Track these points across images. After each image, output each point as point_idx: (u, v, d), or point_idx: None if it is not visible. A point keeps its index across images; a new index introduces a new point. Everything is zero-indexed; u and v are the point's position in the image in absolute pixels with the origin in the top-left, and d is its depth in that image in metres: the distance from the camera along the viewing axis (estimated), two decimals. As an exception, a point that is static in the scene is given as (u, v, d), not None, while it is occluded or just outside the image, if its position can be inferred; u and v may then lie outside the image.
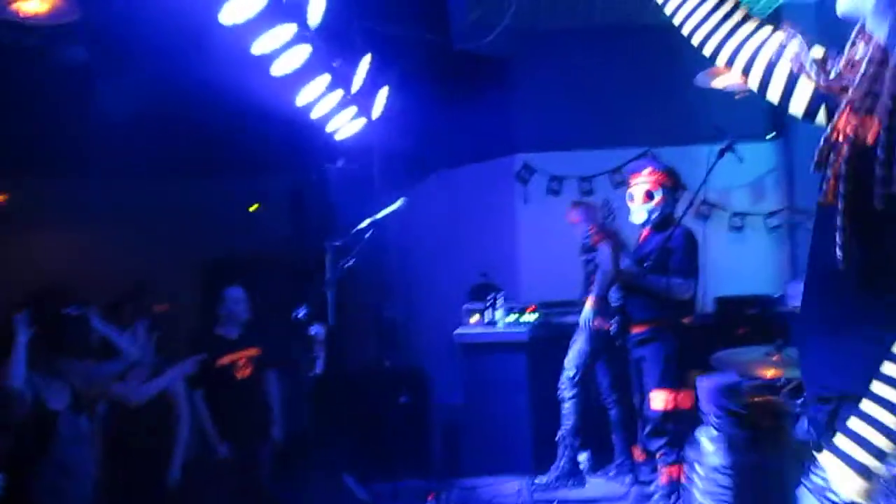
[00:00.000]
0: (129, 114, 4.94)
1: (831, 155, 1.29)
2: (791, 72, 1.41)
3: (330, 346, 4.29)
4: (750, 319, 5.36)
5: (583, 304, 4.93)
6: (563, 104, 6.17)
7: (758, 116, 6.10)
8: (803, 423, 1.36)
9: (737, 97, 4.56)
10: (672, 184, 4.37)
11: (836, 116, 1.30)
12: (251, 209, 6.68)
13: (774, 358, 3.60)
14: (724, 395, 1.36)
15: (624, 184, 5.98)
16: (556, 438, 5.02)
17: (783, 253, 6.14)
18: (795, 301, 5.25)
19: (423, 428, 5.43)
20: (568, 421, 4.97)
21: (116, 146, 5.45)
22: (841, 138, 1.26)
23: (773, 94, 1.46)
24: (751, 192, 6.18)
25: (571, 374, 4.95)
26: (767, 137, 6.13)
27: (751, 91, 4.65)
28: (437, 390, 5.58)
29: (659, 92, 6.14)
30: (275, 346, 4.40)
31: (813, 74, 1.36)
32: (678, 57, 6.02)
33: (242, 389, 4.33)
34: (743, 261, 6.05)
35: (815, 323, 1.32)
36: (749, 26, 1.47)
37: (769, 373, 3.65)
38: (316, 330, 4.13)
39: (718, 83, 4.57)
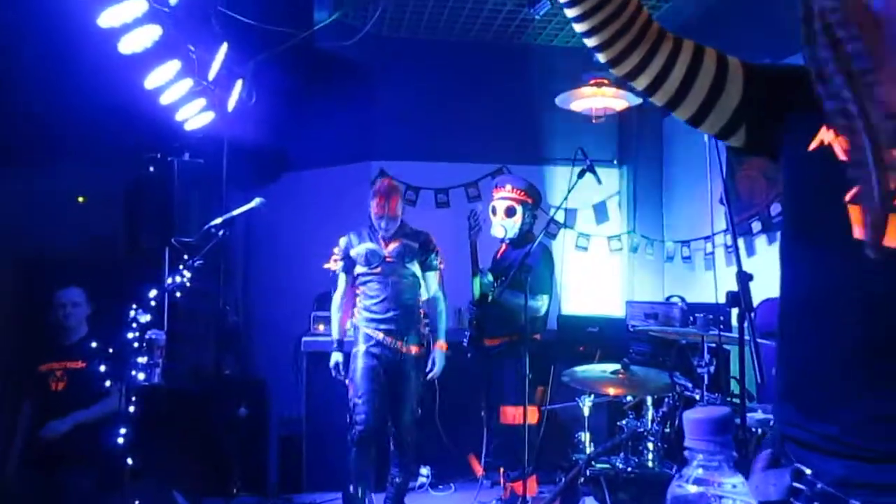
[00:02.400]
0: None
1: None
2: (714, 80, 1.20)
3: (168, 352, 3.95)
4: (590, 337, 5.53)
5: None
6: (422, 115, 6.14)
7: (607, 142, 6.37)
8: (784, 478, 1.20)
9: (594, 121, 4.71)
10: (533, 201, 4.43)
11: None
12: (79, 201, 6.07)
13: (621, 376, 3.72)
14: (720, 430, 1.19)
15: (479, 198, 6.06)
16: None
17: (623, 275, 6.43)
18: (634, 321, 5.49)
19: (262, 441, 5.15)
20: None
21: None
22: None
23: (688, 107, 1.22)
24: (596, 214, 6.42)
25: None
26: (614, 162, 6.40)
27: (607, 117, 4.71)
28: (280, 401, 5.32)
29: (516, 110, 6.26)
30: (104, 353, 3.99)
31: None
32: (537, 77, 6.24)
33: (65, 401, 3.90)
34: (585, 280, 6.27)
35: (866, 376, 1.10)
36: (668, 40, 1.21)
37: (614, 391, 3.76)
38: (155, 334, 3.78)
39: (578, 106, 4.68)
